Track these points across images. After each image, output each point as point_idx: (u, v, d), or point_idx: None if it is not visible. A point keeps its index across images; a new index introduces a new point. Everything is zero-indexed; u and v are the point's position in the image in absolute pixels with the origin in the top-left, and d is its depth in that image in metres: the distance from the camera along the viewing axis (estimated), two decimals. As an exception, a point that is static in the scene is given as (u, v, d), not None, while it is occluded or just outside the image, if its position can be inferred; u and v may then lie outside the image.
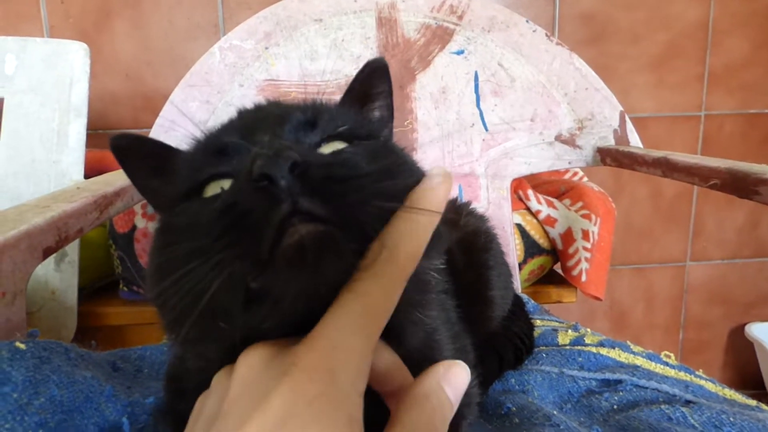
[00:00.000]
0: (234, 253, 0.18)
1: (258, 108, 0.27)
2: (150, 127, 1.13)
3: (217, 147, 0.24)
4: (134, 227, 0.74)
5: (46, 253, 0.36)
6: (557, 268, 0.83)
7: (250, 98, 0.71)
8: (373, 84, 0.31)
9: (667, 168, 0.57)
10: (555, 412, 0.39)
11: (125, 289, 0.80)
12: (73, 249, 0.75)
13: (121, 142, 0.28)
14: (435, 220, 0.21)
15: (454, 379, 0.22)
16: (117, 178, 0.52)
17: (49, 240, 0.36)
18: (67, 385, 0.30)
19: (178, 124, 0.70)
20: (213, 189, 0.23)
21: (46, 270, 0.73)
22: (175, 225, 0.23)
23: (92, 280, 0.82)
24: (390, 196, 0.20)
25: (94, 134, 1.12)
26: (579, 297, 0.82)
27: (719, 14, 1.13)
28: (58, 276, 0.74)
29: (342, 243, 0.19)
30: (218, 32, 1.08)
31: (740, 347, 1.27)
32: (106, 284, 0.84)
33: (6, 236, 0.32)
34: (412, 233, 0.20)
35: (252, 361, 0.20)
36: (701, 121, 1.19)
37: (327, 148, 0.23)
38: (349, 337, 0.18)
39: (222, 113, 0.70)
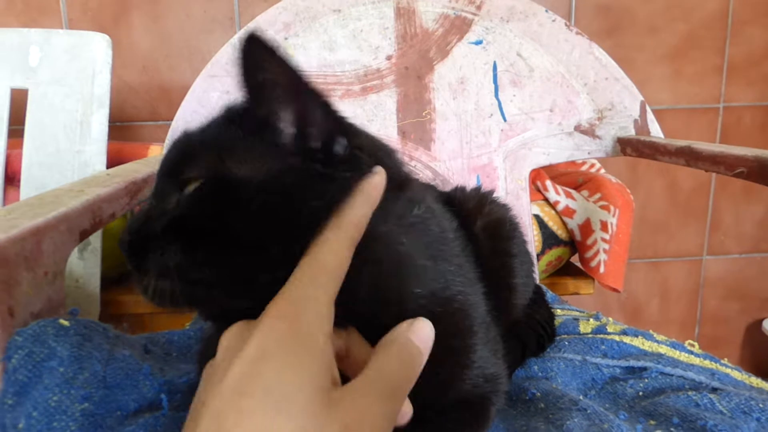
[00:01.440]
0: None
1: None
2: (166, 119, 1.14)
3: None
4: (155, 217, 0.75)
5: (82, 236, 0.37)
6: (574, 260, 0.83)
7: (269, 89, 0.71)
8: (254, 73, 0.24)
9: (691, 157, 0.57)
10: (581, 398, 0.39)
11: (146, 278, 0.81)
12: (96, 237, 0.76)
13: None
14: (374, 200, 0.25)
15: (418, 330, 0.25)
16: (143, 166, 0.53)
17: (85, 223, 0.37)
18: (108, 361, 0.31)
19: (200, 115, 0.70)
20: None
21: (69, 258, 0.75)
22: None
23: (112, 270, 0.84)
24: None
25: (112, 126, 1.13)
26: (594, 290, 0.82)
27: (739, 4, 1.11)
28: (82, 264, 0.76)
29: (149, 285, 0.25)
30: (234, 25, 1.09)
31: (757, 343, 1.26)
32: (126, 273, 0.86)
33: (47, 218, 0.33)
34: (354, 204, 0.25)
35: (231, 331, 0.23)
36: (719, 114, 1.17)
37: (188, 190, 0.26)
38: (307, 288, 0.22)
39: (242, 103, 0.71)
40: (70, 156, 0.76)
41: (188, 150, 0.27)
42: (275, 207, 0.24)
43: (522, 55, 0.73)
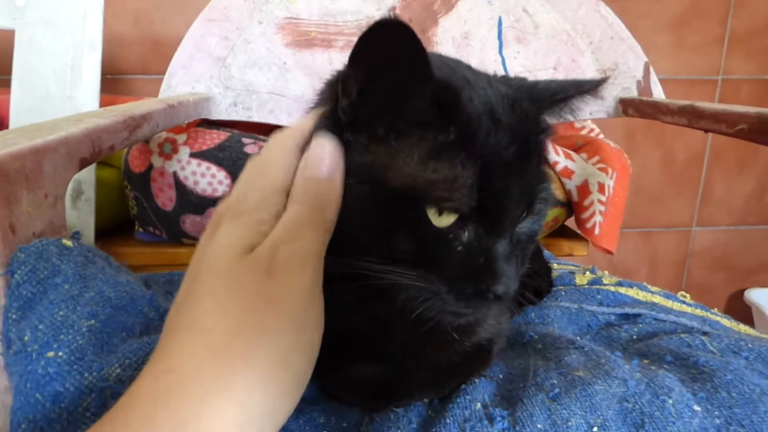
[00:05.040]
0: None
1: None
2: (158, 73, 1.11)
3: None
4: (151, 166, 0.73)
5: (82, 164, 0.36)
6: (569, 223, 0.84)
7: (269, 36, 0.69)
8: None
9: (693, 116, 0.57)
10: (578, 338, 0.40)
11: (141, 230, 0.80)
12: (89, 187, 0.74)
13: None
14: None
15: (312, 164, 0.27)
16: (142, 104, 0.52)
17: (84, 150, 0.36)
18: (113, 284, 0.31)
19: (197, 60, 0.68)
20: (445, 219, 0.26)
21: (62, 208, 0.73)
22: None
23: (107, 220, 0.82)
24: None
25: (102, 79, 1.09)
26: (588, 252, 0.83)
27: (746, -26, 1.10)
28: (76, 214, 0.74)
29: None
30: (230, -25, 1.04)
31: (738, 311, 1.30)
32: (121, 225, 0.85)
33: (46, 140, 0.32)
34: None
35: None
36: (718, 85, 1.17)
37: None
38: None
39: (240, 50, 0.69)
40: (61, 102, 0.73)
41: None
42: None
43: (528, 11, 0.72)
